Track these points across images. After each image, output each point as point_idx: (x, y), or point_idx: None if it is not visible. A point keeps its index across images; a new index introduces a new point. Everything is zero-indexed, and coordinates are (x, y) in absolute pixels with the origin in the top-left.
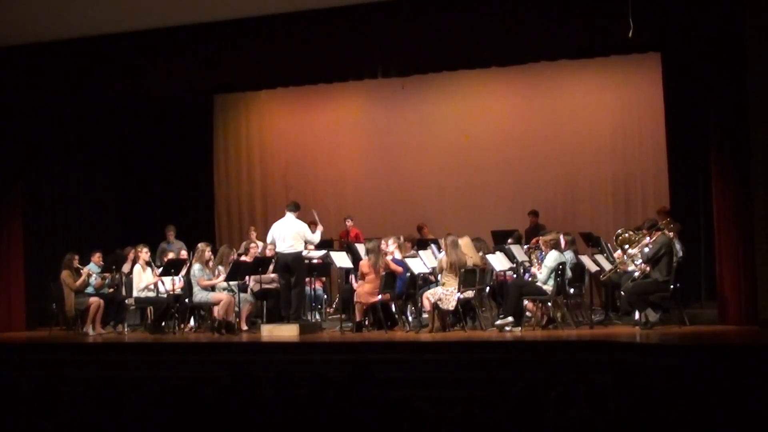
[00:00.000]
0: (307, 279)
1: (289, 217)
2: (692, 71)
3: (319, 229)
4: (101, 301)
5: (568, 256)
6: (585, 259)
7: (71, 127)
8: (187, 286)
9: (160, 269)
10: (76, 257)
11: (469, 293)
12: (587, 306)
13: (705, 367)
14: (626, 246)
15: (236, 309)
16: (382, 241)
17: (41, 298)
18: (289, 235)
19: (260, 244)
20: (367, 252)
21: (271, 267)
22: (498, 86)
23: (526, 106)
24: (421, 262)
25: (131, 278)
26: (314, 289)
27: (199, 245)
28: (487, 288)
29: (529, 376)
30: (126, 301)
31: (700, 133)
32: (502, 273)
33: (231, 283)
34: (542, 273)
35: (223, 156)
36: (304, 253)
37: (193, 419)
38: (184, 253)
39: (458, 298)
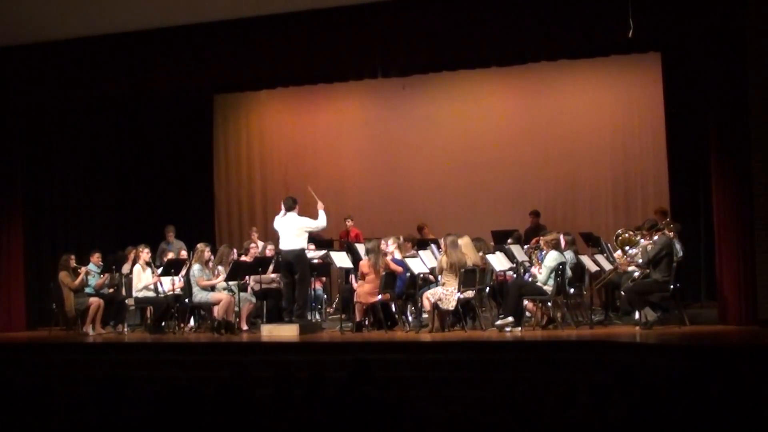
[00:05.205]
0: None
1: (289, 215)
2: (692, 71)
3: (321, 207)
4: (101, 301)
5: (568, 256)
6: (585, 259)
7: (71, 127)
8: (187, 286)
9: (160, 269)
10: (72, 257)
11: (469, 293)
12: (587, 306)
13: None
14: (627, 247)
15: (236, 309)
16: (382, 241)
17: (41, 298)
18: (292, 232)
19: (260, 244)
20: (367, 252)
21: (271, 267)
22: (498, 86)
23: (526, 106)
24: (421, 262)
25: (131, 278)
26: (314, 289)
27: (199, 245)
28: (487, 288)
29: (529, 376)
30: (126, 301)
31: (700, 133)
32: (502, 273)
33: (231, 283)
34: (542, 273)
35: (223, 156)
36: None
37: (192, 419)
38: (183, 253)
39: (458, 298)
